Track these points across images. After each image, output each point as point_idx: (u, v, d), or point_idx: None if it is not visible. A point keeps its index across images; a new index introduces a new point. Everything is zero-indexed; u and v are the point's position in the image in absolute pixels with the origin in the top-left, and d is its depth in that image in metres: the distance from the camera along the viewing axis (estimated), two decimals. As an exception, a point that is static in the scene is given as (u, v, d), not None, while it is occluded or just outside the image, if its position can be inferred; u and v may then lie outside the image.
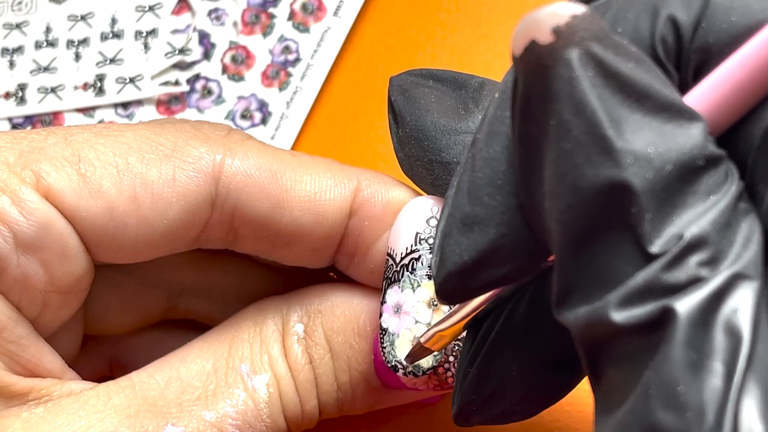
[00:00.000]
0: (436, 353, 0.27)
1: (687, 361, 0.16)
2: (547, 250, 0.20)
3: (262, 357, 0.28)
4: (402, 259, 0.27)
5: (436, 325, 0.25)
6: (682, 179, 0.17)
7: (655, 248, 0.17)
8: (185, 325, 0.33)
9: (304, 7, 0.42)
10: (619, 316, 0.17)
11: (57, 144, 0.27)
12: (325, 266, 0.30)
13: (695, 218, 0.17)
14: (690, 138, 0.18)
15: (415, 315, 0.27)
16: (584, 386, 0.37)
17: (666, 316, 0.17)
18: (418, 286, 0.27)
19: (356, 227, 0.29)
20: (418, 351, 0.26)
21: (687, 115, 0.18)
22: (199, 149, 0.28)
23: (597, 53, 0.18)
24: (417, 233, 0.27)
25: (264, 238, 0.29)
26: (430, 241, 0.27)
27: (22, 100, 0.41)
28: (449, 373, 0.27)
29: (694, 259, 0.17)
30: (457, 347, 0.27)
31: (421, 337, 0.26)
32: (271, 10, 0.42)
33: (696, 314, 0.17)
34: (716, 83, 0.18)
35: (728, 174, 0.18)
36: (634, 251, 0.17)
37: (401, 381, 0.28)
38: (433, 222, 0.27)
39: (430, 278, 0.27)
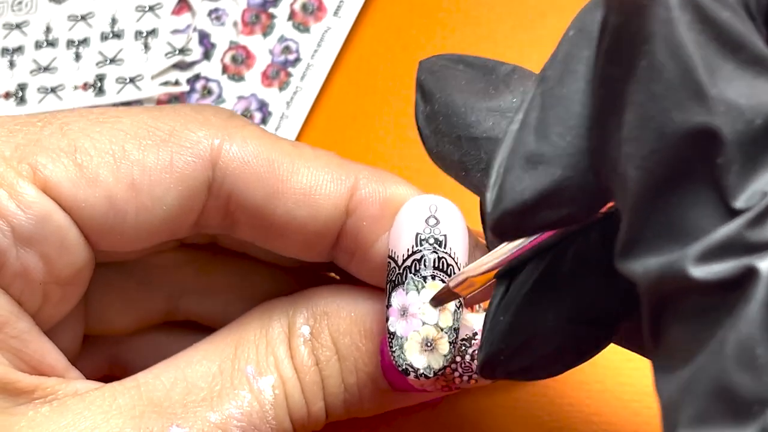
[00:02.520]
0: (446, 353, 0.27)
1: (767, 322, 0.16)
2: (604, 199, 0.19)
3: (268, 358, 0.28)
4: (404, 261, 0.27)
5: (468, 270, 0.25)
6: None
7: (739, 203, 0.17)
8: (186, 325, 0.33)
9: (304, 7, 0.42)
10: (698, 271, 0.17)
11: (53, 135, 0.27)
12: (323, 261, 0.30)
13: None
14: None
15: (422, 317, 0.27)
16: (584, 386, 0.37)
17: (748, 275, 0.16)
18: (423, 287, 0.27)
19: (354, 227, 0.29)
20: (446, 295, 0.26)
21: None
22: (197, 133, 0.28)
23: None
24: (417, 233, 0.27)
25: (259, 226, 0.29)
26: (431, 240, 0.27)
27: (22, 100, 0.41)
28: (456, 374, 0.27)
29: None
30: (464, 347, 0.27)
31: (450, 281, 0.25)
32: (271, 10, 0.42)
33: None
34: None
35: None
36: (716, 204, 0.17)
37: (409, 382, 0.28)
38: (432, 221, 0.27)
39: (434, 278, 0.27)
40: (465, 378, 0.28)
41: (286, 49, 0.41)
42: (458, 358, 0.27)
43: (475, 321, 0.27)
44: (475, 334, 0.27)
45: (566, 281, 0.23)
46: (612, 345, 0.37)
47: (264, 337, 0.29)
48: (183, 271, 0.32)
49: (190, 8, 0.42)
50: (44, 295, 0.27)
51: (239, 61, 0.41)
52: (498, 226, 0.21)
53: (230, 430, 0.27)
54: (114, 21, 0.42)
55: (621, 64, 0.18)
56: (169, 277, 0.32)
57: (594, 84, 0.19)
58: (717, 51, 0.17)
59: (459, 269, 0.27)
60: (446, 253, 0.27)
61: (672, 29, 0.17)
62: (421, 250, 0.27)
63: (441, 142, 0.27)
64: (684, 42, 0.17)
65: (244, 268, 0.33)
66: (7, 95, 0.42)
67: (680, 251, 0.17)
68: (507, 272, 0.24)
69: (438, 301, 0.26)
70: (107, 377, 0.30)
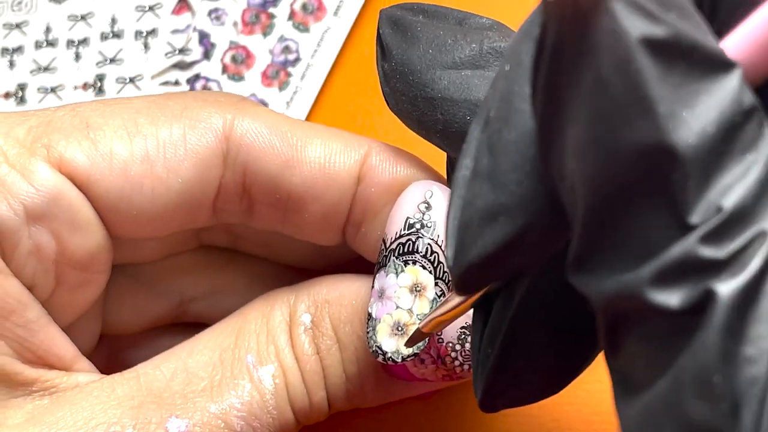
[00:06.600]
0: (419, 343, 0.27)
1: (725, 348, 0.15)
2: (568, 228, 0.18)
3: (269, 347, 0.28)
4: (391, 243, 0.27)
5: (435, 310, 0.24)
6: (723, 140, 0.16)
7: (694, 218, 0.16)
8: (194, 326, 0.33)
9: (304, 7, 0.42)
10: (655, 295, 0.16)
11: (65, 115, 0.28)
12: (336, 243, 0.30)
13: (734, 182, 0.16)
14: (728, 92, 0.16)
15: (396, 300, 0.26)
16: (584, 386, 0.37)
17: (705, 300, 0.15)
18: (402, 271, 0.27)
19: (364, 194, 0.29)
20: (417, 336, 0.26)
21: (726, 66, 0.16)
22: (209, 109, 0.28)
23: (641, 3, 0.16)
24: (407, 218, 0.27)
25: (277, 202, 0.29)
26: (418, 225, 0.27)
27: (22, 100, 0.42)
28: (456, 362, 0.27)
29: (736, 231, 0.15)
30: (463, 335, 0.27)
31: (421, 325, 0.25)
32: (271, 10, 0.42)
33: (738, 297, 0.15)
34: (756, 27, 0.17)
35: (761, 126, 0.16)
36: (670, 220, 0.16)
37: (409, 372, 0.28)
38: (424, 207, 0.27)
39: (414, 264, 0.27)
40: (465, 367, 0.27)
41: (286, 49, 0.41)
42: (458, 347, 0.27)
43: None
44: None
45: (550, 301, 0.22)
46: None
47: (265, 326, 0.28)
48: (197, 276, 0.32)
49: (190, 8, 0.42)
50: (57, 277, 0.27)
51: (239, 60, 0.41)
52: (463, 283, 0.20)
53: (230, 420, 0.27)
54: (114, 21, 0.42)
55: (565, 78, 0.17)
56: (182, 281, 0.32)
57: (536, 101, 0.18)
58: (666, 59, 0.16)
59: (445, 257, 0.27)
60: (432, 239, 0.27)
61: (618, 41, 0.16)
62: (407, 234, 0.27)
63: (399, 101, 0.27)
64: (632, 54, 0.16)
65: (260, 273, 0.32)
66: (7, 95, 0.42)
67: (635, 271, 0.16)
68: (484, 301, 0.23)
69: (413, 342, 0.26)
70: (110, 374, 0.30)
